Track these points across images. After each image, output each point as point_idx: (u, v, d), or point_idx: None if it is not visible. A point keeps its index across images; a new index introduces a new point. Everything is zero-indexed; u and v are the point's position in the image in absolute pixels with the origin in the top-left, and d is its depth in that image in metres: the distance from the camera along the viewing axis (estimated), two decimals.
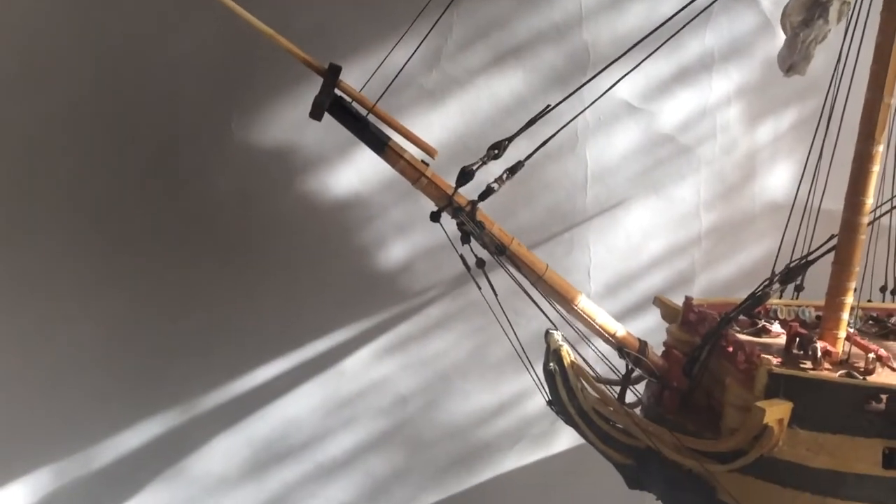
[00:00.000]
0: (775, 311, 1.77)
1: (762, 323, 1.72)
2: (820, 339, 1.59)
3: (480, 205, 1.56)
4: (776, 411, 1.44)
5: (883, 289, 1.89)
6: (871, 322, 1.83)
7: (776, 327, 1.71)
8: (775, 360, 1.52)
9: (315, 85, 1.47)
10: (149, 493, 2.30)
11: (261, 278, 2.24)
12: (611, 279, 2.38)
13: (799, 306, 1.78)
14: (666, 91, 2.29)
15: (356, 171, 2.19)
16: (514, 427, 2.47)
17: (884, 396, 1.47)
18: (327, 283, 2.27)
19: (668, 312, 1.80)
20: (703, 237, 2.40)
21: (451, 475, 2.49)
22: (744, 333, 1.70)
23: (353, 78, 1.53)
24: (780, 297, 1.85)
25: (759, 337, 1.70)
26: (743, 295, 1.65)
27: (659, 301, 1.83)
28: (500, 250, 1.54)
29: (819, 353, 1.55)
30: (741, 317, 1.74)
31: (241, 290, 2.23)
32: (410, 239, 2.27)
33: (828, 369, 1.55)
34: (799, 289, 1.83)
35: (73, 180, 2.08)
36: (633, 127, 2.30)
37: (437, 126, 2.20)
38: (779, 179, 2.40)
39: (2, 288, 2.12)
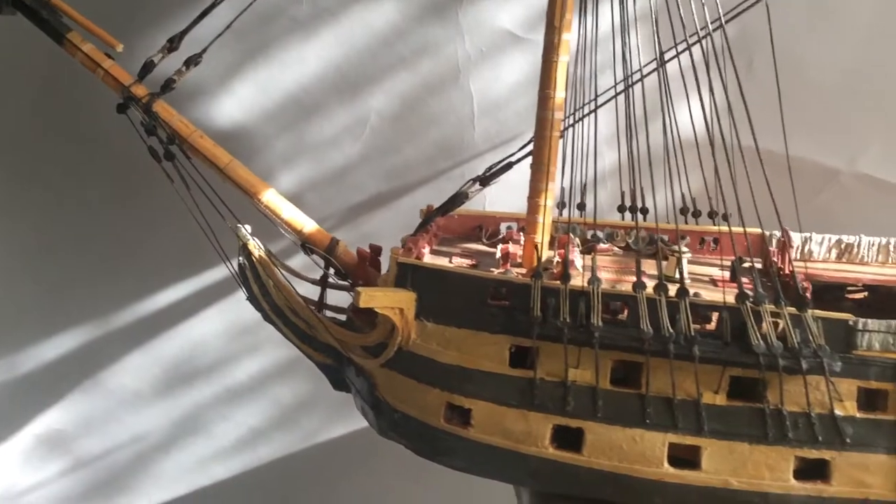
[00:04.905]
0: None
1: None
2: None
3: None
4: (384, 298, 1.41)
5: (684, 211, 1.74)
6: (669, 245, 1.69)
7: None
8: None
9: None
10: (70, 403, 2.53)
11: (159, 207, 2.35)
12: None
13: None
14: None
15: (237, 102, 2.26)
16: None
17: (507, 291, 1.40)
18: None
19: None
20: (607, 176, 2.25)
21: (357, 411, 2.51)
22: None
23: None
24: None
25: None
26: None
27: (423, 213, 1.80)
28: (170, 140, 1.58)
29: (498, 255, 1.52)
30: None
31: (142, 218, 2.38)
32: (297, 171, 2.32)
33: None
34: (580, 207, 1.79)
35: None
36: (520, 58, 2.20)
37: (312, 58, 2.23)
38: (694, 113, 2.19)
39: None
